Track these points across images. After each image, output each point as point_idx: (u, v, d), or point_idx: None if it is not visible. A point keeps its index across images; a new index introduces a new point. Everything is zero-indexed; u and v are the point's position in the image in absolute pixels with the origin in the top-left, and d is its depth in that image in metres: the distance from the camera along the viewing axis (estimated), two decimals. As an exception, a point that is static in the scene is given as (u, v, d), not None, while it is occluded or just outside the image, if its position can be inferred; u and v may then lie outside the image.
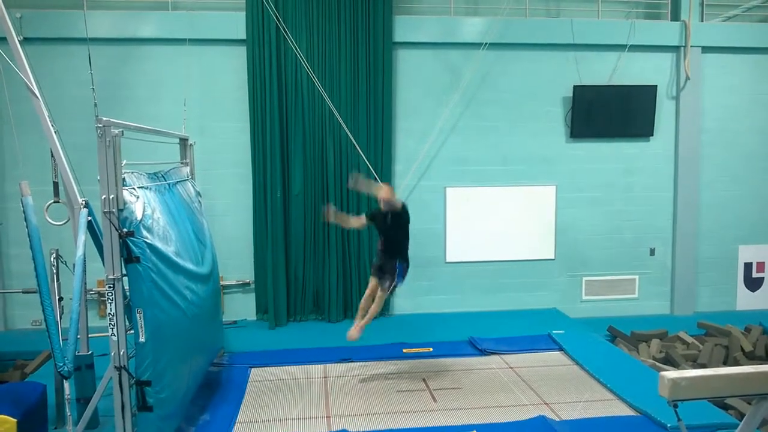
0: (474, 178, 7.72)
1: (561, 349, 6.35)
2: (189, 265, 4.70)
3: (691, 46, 7.74)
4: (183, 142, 6.10)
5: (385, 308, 7.60)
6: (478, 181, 7.72)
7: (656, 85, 7.77)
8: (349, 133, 7.12)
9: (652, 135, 7.89)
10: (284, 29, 6.96)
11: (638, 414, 4.77)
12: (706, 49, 7.85)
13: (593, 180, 7.91)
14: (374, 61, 7.26)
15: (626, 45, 7.66)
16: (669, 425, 4.41)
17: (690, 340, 6.92)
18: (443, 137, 7.63)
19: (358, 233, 7.37)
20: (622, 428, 4.53)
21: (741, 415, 4.83)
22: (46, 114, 4.31)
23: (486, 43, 7.35)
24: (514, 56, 7.65)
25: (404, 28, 7.40)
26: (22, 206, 3.95)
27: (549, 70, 7.71)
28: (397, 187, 7.54)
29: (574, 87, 7.63)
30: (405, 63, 7.52)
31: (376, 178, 7.27)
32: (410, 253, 7.22)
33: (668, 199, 8.05)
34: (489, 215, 7.75)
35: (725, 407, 5.13)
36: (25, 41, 6.46)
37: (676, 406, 2.79)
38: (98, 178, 3.83)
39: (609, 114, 7.73)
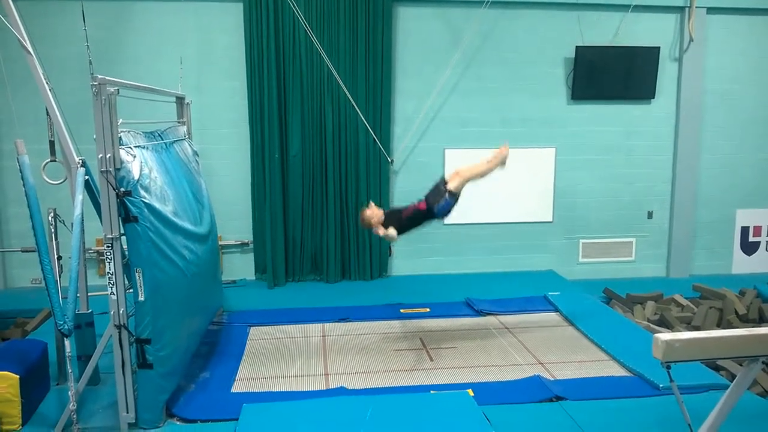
0: (473, 139, 7.66)
1: (556, 310, 6.41)
2: (187, 225, 4.70)
3: (696, 7, 7.59)
4: (180, 100, 6.03)
5: (383, 269, 7.65)
6: (478, 142, 7.66)
7: (659, 47, 7.65)
8: (347, 93, 7.04)
9: (654, 97, 7.82)
10: (282, -15, 6.83)
11: (632, 374, 4.85)
12: (711, 10, 7.71)
13: (593, 142, 7.87)
14: (373, 18, 7.12)
15: (630, 5, 7.52)
16: (661, 386, 4.48)
17: (685, 302, 6.99)
18: (443, 98, 7.55)
19: (356, 195, 7.36)
20: (616, 388, 4.60)
21: (732, 376, 4.91)
22: (40, 71, 4.24)
23: (488, 1, 7.21)
24: (516, 15, 7.52)
25: (404, -16, 7.26)
26: (19, 165, 3.92)
27: (551, 29, 7.58)
28: (396, 149, 7.51)
29: (577, 48, 7.52)
30: (405, 21, 7.39)
31: (374, 139, 7.24)
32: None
33: (668, 162, 8.02)
34: (488, 177, 7.70)
35: (717, 368, 5.21)
36: (18, -4, 6.32)
37: (669, 367, 2.83)
38: (94, 137, 3.80)
39: (611, 75, 7.63)
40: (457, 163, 7.58)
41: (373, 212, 5.06)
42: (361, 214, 5.18)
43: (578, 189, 7.93)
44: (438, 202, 5.02)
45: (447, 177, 5.19)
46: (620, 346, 5.30)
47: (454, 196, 5.07)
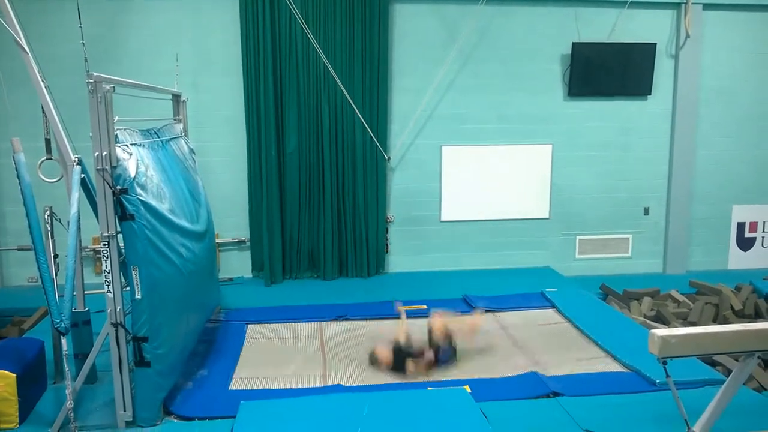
0: (470, 136, 7.66)
1: (553, 306, 6.42)
2: (184, 223, 4.70)
3: (692, 3, 7.59)
4: (176, 98, 6.02)
5: (380, 266, 7.65)
6: (475, 139, 7.68)
7: (656, 43, 7.66)
8: (344, 90, 7.03)
9: (650, 94, 7.82)
10: (278, -18, 6.81)
11: (628, 370, 4.86)
12: (707, 6, 7.71)
13: (590, 139, 7.87)
14: (370, 15, 7.11)
15: (626, 1, 7.52)
16: (658, 381, 4.50)
17: (681, 298, 7.01)
18: (439, 95, 7.55)
19: (353, 192, 7.36)
20: (612, 384, 4.62)
21: (728, 372, 4.93)
22: (36, 69, 4.23)
23: (484, -2, 7.22)
24: (513, 11, 7.51)
25: (401, -18, 7.24)
26: (15, 163, 3.91)
27: (548, 26, 7.58)
28: (393, 146, 7.51)
29: (573, 44, 7.52)
30: (401, 18, 7.37)
31: (371, 136, 7.24)
32: (404, 211, 7.66)
33: (664, 158, 8.03)
34: (485, 174, 7.74)
35: (713, 364, 5.23)
36: (13, -7, 6.30)
37: (665, 362, 2.84)
38: (90, 134, 3.79)
39: (607, 72, 7.63)
40: (453, 159, 7.65)
41: (382, 357, 5.10)
42: (370, 358, 5.18)
43: (575, 185, 7.93)
44: (439, 354, 5.05)
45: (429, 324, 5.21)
46: (617, 342, 5.31)
47: (450, 347, 5.10)
